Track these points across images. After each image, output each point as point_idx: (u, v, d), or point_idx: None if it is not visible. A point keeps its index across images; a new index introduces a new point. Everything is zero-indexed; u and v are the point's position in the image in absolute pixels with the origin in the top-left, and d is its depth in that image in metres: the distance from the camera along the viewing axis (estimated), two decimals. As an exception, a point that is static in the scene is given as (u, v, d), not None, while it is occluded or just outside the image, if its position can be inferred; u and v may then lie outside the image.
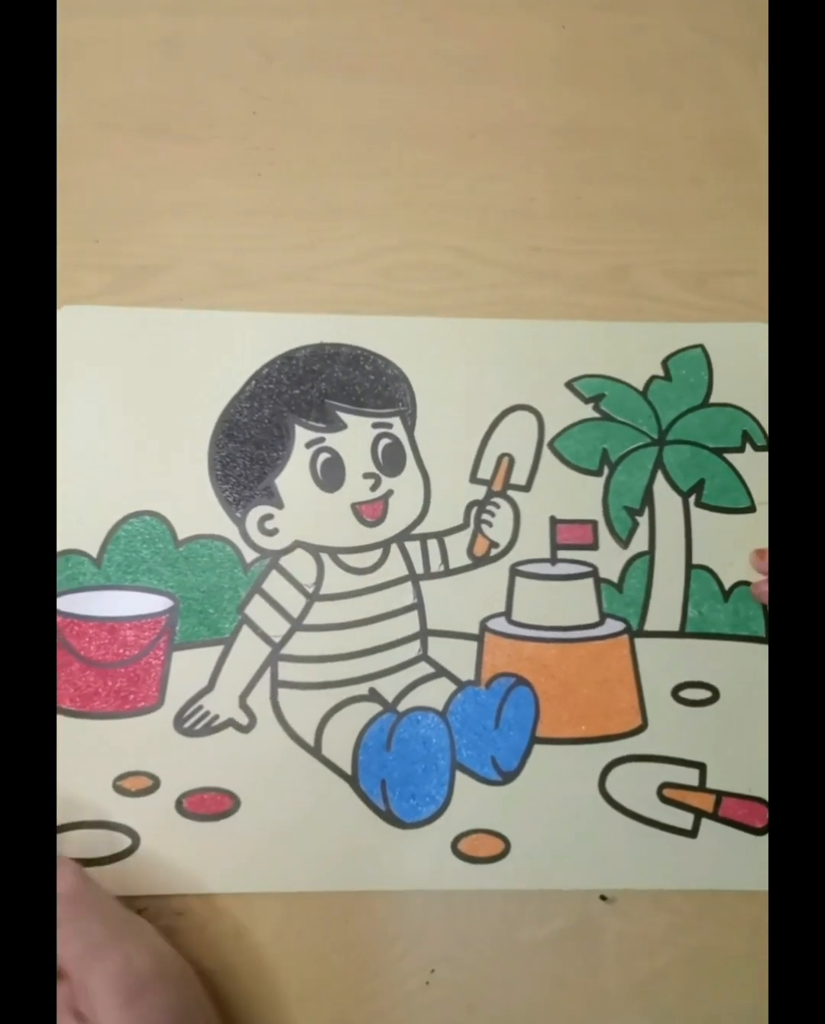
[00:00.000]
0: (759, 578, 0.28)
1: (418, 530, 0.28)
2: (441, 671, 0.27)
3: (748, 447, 0.29)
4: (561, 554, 0.28)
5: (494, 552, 0.28)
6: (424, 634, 0.28)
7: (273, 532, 0.28)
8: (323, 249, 0.31)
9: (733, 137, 0.32)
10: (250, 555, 0.28)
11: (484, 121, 0.32)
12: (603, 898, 0.26)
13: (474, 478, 0.29)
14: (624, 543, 0.28)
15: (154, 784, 0.26)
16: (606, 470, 0.29)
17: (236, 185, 0.31)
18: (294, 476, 0.29)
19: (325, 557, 0.28)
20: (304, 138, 0.32)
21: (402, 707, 0.27)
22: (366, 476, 0.29)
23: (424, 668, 0.27)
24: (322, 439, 0.29)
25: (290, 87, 0.32)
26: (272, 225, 0.31)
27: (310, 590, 0.28)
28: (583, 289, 0.31)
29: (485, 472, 0.29)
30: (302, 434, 0.29)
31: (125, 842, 0.26)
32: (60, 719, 0.26)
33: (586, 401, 0.30)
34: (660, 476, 0.29)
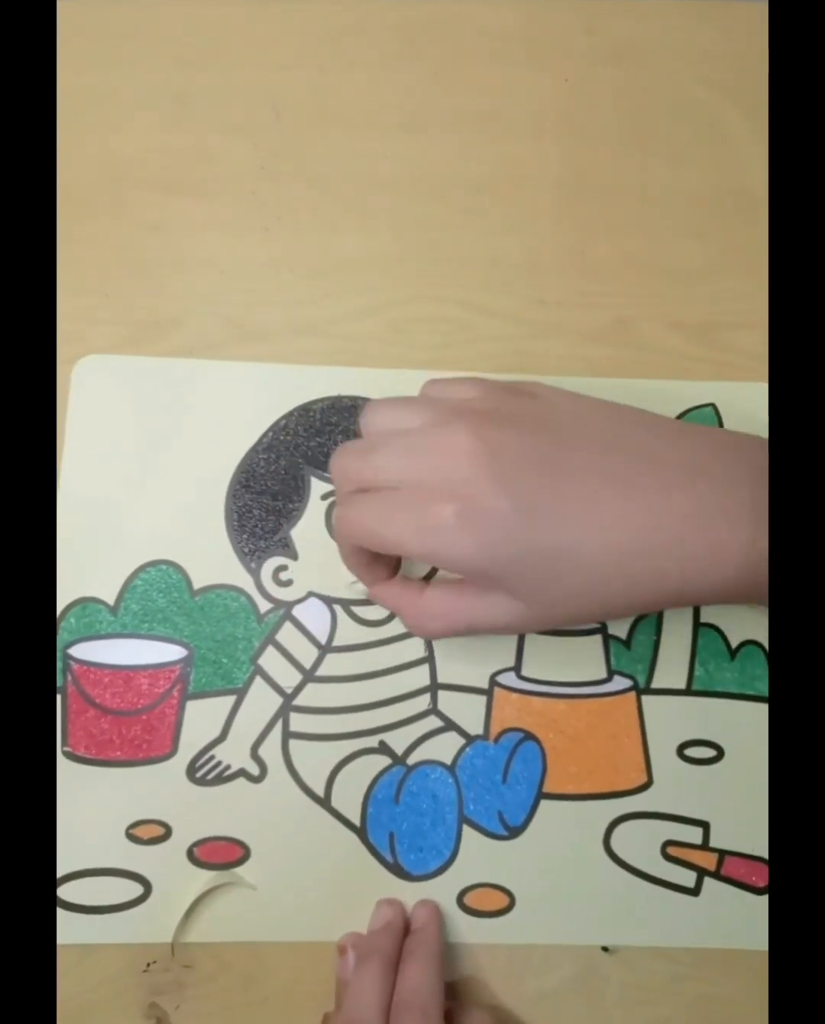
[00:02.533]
0: None
1: (430, 583, 0.29)
2: (450, 725, 0.28)
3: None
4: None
5: (504, 606, 0.29)
6: (434, 687, 0.28)
7: (287, 583, 0.29)
8: (332, 303, 0.31)
9: (736, 190, 0.33)
10: (264, 606, 0.28)
11: (490, 175, 0.33)
12: (605, 949, 0.27)
13: (486, 532, 0.29)
14: (633, 600, 0.29)
15: (166, 833, 0.27)
16: (616, 527, 0.29)
17: (245, 239, 0.31)
18: (309, 528, 0.29)
19: (338, 608, 0.29)
20: (312, 192, 0.32)
21: (411, 760, 0.27)
22: (380, 529, 0.29)
23: (433, 722, 0.28)
24: (337, 492, 0.29)
25: (299, 141, 0.32)
26: (281, 279, 0.31)
27: (322, 641, 0.28)
28: (588, 342, 0.31)
29: (497, 526, 0.29)
30: (318, 486, 0.29)
31: (137, 890, 0.26)
32: (75, 767, 0.27)
33: (598, 458, 0.30)
34: (669, 533, 0.29)
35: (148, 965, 0.25)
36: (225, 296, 0.31)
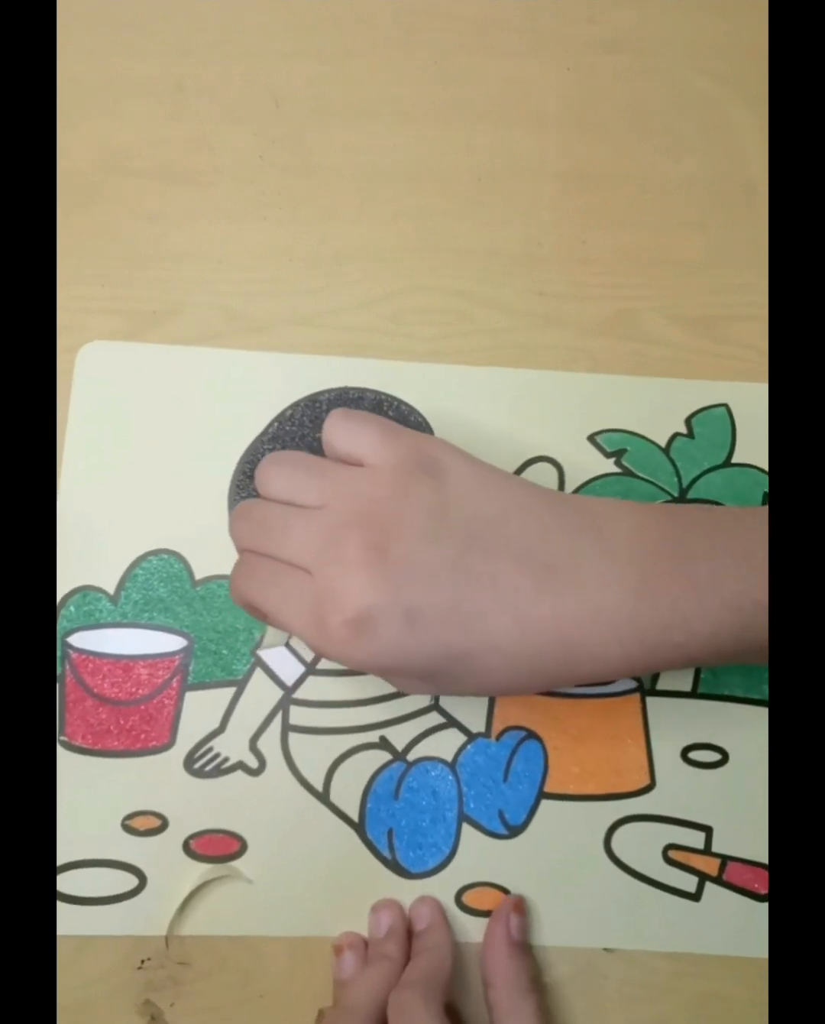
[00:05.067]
0: None
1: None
2: (452, 721, 0.28)
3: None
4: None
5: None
6: (437, 684, 0.28)
7: (291, 575, 0.28)
8: (330, 293, 0.31)
9: (737, 181, 0.32)
10: (267, 598, 0.28)
11: (490, 165, 0.32)
12: (606, 949, 0.26)
13: (493, 528, 0.29)
14: (640, 600, 0.28)
15: (162, 824, 0.26)
16: (625, 525, 0.29)
17: (244, 229, 0.31)
18: (314, 520, 0.29)
19: (341, 602, 0.28)
20: (312, 182, 0.32)
21: (412, 757, 0.27)
22: (385, 522, 0.29)
23: (435, 718, 0.28)
24: (343, 484, 0.29)
25: (298, 131, 0.32)
26: (279, 269, 0.31)
27: (325, 635, 0.28)
28: (588, 334, 0.31)
29: (504, 523, 0.29)
30: (324, 478, 0.29)
31: (132, 882, 0.26)
32: (72, 756, 0.27)
33: (608, 456, 0.30)
34: (678, 533, 0.29)
35: (143, 962, 0.25)
36: (223, 286, 0.31)
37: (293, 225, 0.31)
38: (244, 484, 0.29)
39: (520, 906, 0.26)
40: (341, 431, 0.24)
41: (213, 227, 0.31)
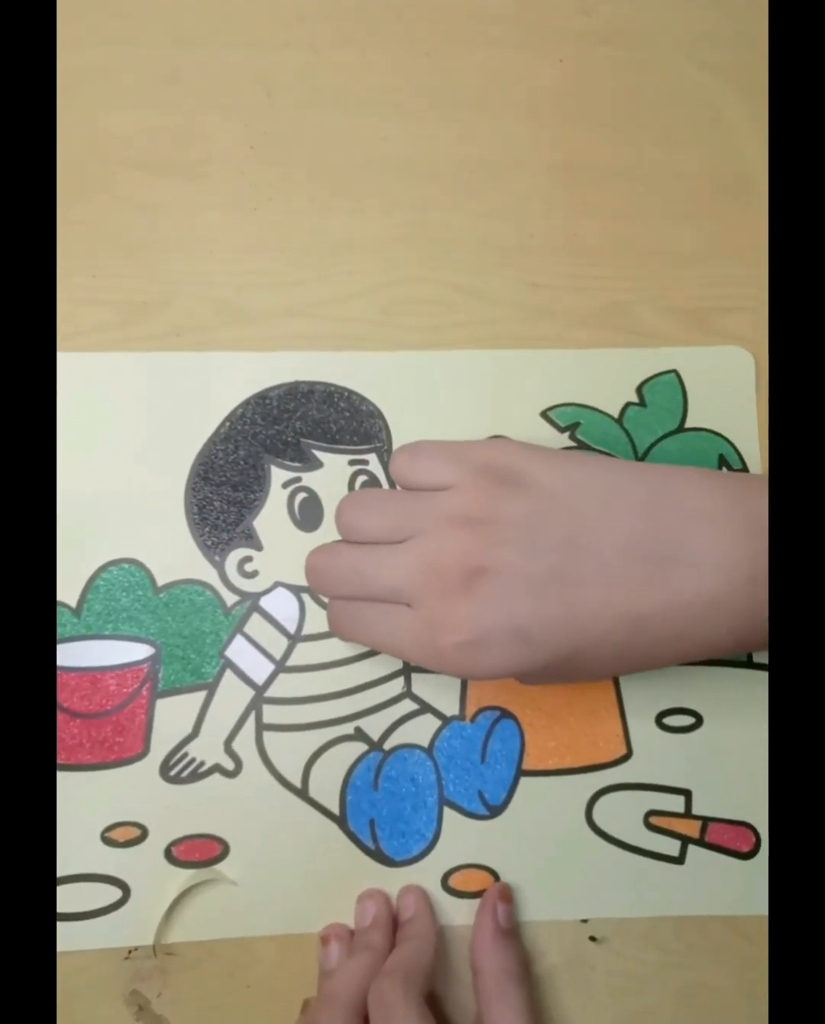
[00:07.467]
0: None
1: (398, 566, 0.28)
2: (426, 707, 0.28)
3: (724, 471, 0.29)
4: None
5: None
6: (408, 671, 0.28)
7: (253, 574, 0.28)
8: (322, 285, 0.31)
9: (732, 173, 0.32)
10: (230, 598, 0.28)
11: (483, 156, 0.32)
12: (593, 939, 0.26)
13: (452, 512, 0.29)
14: (603, 572, 0.29)
15: (142, 834, 0.26)
16: (583, 499, 0.29)
17: (235, 220, 0.31)
18: (272, 517, 0.29)
19: (306, 597, 0.28)
20: (303, 173, 0.31)
21: (388, 745, 0.27)
22: (344, 514, 0.29)
23: (409, 705, 0.28)
24: (299, 479, 0.29)
25: (290, 122, 0.32)
26: (271, 261, 0.31)
27: (292, 631, 0.28)
28: (580, 325, 0.31)
29: (463, 505, 0.29)
30: (278, 474, 0.29)
31: (116, 894, 0.26)
32: (45, 772, 0.26)
33: (562, 430, 0.30)
34: (637, 503, 0.29)
35: (130, 952, 0.25)
36: (214, 277, 0.30)
37: (284, 216, 0.31)
38: (200, 486, 0.29)
39: (506, 894, 0.26)
40: (410, 468, 0.25)
41: (204, 218, 0.31)
